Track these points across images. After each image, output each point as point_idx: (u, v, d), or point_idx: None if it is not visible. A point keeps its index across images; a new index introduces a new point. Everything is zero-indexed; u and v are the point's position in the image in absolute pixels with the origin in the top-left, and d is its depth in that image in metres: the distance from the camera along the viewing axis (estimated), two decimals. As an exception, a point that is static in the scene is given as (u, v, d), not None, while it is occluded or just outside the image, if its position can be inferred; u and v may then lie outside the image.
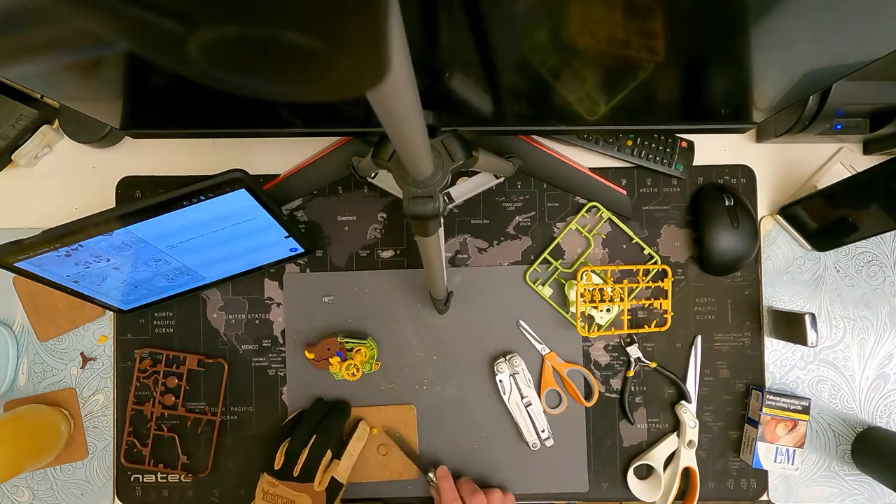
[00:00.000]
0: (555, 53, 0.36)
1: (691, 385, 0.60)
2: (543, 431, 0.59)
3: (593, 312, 0.60)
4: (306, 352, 0.58)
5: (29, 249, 0.45)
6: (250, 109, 0.47)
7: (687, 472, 0.59)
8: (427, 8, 0.30)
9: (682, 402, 0.59)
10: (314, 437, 0.55)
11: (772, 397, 0.57)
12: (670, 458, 0.60)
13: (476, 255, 0.61)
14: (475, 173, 0.60)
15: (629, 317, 0.60)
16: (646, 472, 0.61)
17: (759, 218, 0.61)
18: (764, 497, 0.60)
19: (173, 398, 0.60)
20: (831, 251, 0.60)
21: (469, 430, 0.60)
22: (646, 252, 0.61)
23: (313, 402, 0.59)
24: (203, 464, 0.60)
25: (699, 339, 0.60)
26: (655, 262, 0.60)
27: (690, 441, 0.59)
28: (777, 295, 0.61)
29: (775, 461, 0.57)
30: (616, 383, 0.61)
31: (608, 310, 0.60)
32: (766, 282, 0.61)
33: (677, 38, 0.34)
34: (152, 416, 0.60)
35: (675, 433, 0.60)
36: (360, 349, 0.57)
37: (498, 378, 0.59)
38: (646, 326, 0.59)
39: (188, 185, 0.44)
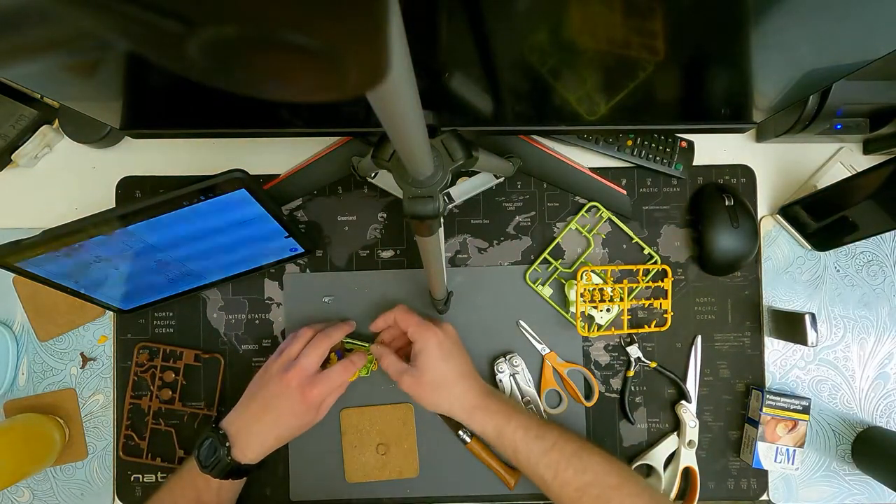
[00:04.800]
0: (555, 53, 0.36)
1: (691, 385, 0.60)
2: (543, 431, 0.59)
3: (593, 312, 0.60)
4: (306, 350, 0.58)
5: (29, 249, 0.45)
6: (250, 109, 0.47)
7: (687, 472, 0.59)
8: (427, 8, 0.30)
9: (682, 401, 0.59)
10: None
11: (772, 397, 0.57)
12: (670, 458, 0.60)
13: (476, 255, 0.61)
14: (475, 173, 0.60)
15: (629, 317, 0.60)
16: (646, 472, 0.61)
17: (759, 218, 0.61)
18: (764, 497, 0.60)
19: (170, 393, 0.60)
20: (831, 251, 0.60)
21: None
22: (646, 252, 0.61)
23: None
24: (202, 463, 0.60)
25: (699, 339, 0.60)
26: (655, 262, 0.60)
27: (691, 441, 0.59)
28: (777, 295, 0.61)
29: (775, 461, 0.57)
30: (616, 383, 0.61)
31: (608, 310, 0.60)
32: (766, 282, 0.61)
33: (677, 38, 0.34)
34: (149, 411, 0.60)
35: (676, 433, 0.60)
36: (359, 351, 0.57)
37: (498, 378, 0.59)
38: (646, 326, 0.59)
39: (188, 185, 0.44)
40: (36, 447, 0.57)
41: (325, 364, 0.57)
